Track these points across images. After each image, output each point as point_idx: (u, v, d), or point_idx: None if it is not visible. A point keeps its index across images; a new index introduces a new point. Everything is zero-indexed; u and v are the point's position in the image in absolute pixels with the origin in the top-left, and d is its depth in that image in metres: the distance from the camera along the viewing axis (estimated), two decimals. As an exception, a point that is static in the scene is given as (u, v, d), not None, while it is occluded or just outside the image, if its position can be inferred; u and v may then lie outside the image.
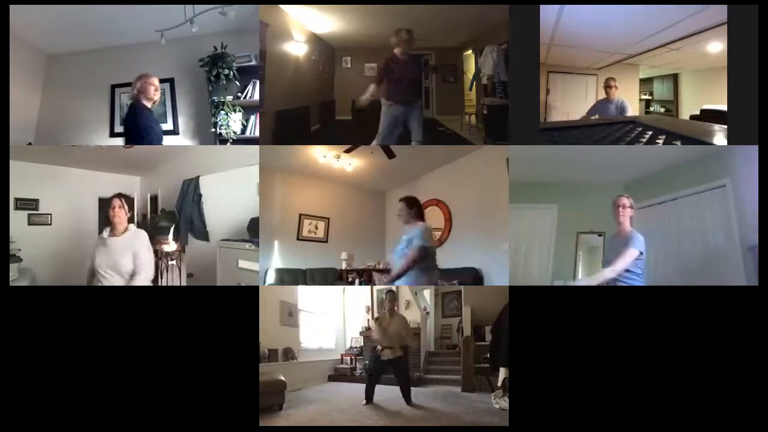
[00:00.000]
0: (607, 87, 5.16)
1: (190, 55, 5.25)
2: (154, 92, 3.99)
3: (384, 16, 6.03)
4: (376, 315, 6.41)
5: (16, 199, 6.08)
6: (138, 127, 3.98)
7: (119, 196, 3.52)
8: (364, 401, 4.49)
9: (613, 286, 3.26)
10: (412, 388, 4.65)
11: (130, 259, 3.46)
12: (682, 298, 3.10)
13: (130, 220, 3.58)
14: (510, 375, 3.23)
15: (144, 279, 3.46)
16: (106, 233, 3.53)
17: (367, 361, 6.84)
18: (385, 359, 4.59)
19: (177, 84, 5.55)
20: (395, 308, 4.98)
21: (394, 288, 5.63)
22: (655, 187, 5.19)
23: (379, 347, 4.65)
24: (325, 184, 8.02)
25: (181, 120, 5.58)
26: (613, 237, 3.49)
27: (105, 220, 3.57)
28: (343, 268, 7.78)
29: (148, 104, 4.01)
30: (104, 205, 7.07)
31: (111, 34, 5.35)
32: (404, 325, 4.88)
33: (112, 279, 3.41)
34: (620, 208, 3.37)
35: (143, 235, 3.62)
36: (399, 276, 3.44)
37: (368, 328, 7.25)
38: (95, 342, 3.09)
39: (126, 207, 3.50)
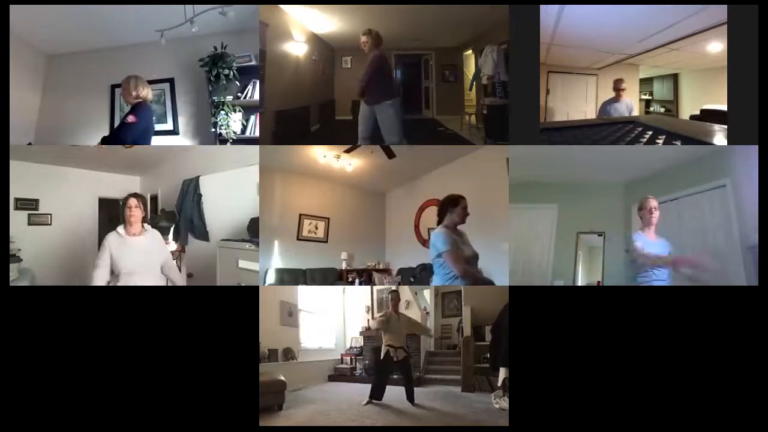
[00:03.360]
0: (618, 89, 5.18)
1: (190, 55, 5.25)
2: (127, 94, 4.01)
3: (384, 16, 6.03)
4: (380, 314, 6.39)
5: (16, 199, 6.09)
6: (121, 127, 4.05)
7: (135, 195, 3.51)
8: (367, 401, 4.49)
9: (613, 286, 3.27)
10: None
11: (160, 260, 3.54)
12: (682, 298, 3.10)
13: (144, 220, 3.58)
14: (510, 375, 3.23)
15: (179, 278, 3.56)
16: (122, 232, 3.44)
17: (367, 361, 6.85)
18: (396, 360, 4.62)
19: (177, 84, 5.55)
20: (398, 308, 4.98)
21: (396, 288, 5.64)
22: (655, 187, 5.18)
23: (390, 349, 4.64)
24: (325, 184, 8.01)
25: (181, 120, 5.58)
26: (647, 238, 3.35)
27: (109, 219, 3.56)
28: (343, 268, 7.78)
29: (133, 102, 4.06)
30: (104, 205, 7.12)
31: (111, 34, 5.35)
32: (412, 323, 4.91)
33: (143, 279, 3.38)
34: (654, 210, 3.36)
35: (160, 235, 3.68)
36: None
37: (368, 328, 7.26)
38: (95, 342, 3.09)
39: (142, 206, 3.50)
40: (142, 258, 3.42)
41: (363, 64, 4.90)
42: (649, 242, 3.35)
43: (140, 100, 4.04)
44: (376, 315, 5.76)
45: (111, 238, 3.42)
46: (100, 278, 3.30)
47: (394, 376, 4.74)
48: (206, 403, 3.07)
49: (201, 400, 3.07)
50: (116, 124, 5.75)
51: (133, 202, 3.44)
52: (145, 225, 3.57)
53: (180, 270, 5.26)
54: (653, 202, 3.38)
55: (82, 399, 3.03)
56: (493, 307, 4.90)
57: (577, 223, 5.82)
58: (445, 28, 7.28)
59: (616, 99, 5.18)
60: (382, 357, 4.71)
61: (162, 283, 3.52)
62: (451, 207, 3.27)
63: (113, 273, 3.35)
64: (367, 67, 4.73)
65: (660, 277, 3.23)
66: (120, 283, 3.32)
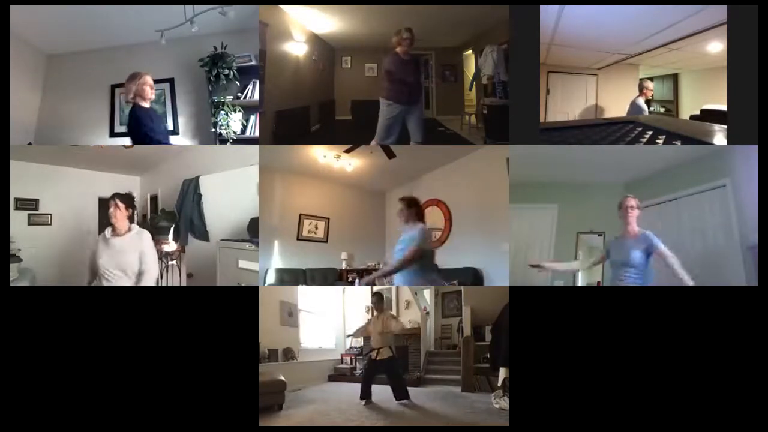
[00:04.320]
0: (646, 88, 5.23)
1: (190, 55, 5.25)
2: (151, 92, 3.98)
3: (384, 16, 6.03)
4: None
5: (16, 199, 6.08)
6: (141, 130, 3.97)
7: (115, 196, 3.52)
8: (362, 400, 4.51)
9: (613, 286, 3.27)
10: (412, 388, 4.67)
11: (136, 259, 3.45)
12: (682, 298, 3.10)
13: (132, 219, 3.57)
14: (510, 375, 3.23)
15: (150, 279, 3.46)
16: (108, 233, 3.50)
17: (366, 361, 6.86)
18: (377, 360, 4.70)
19: (177, 84, 5.55)
20: (382, 309, 5.03)
21: (381, 291, 5.67)
22: (655, 187, 5.19)
23: (372, 350, 4.75)
24: (325, 184, 8.01)
25: (181, 120, 5.59)
26: (620, 238, 3.44)
27: (106, 220, 3.59)
28: (343, 268, 7.78)
29: (146, 104, 4.01)
30: (104, 205, 7.12)
31: (111, 34, 5.36)
32: (389, 323, 4.93)
33: (119, 279, 3.40)
34: (629, 209, 3.36)
35: (147, 235, 3.62)
36: (389, 273, 3.51)
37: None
38: (95, 342, 3.09)
39: (123, 207, 3.49)
40: (118, 259, 3.42)
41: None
42: (622, 243, 3.36)
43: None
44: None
45: (99, 240, 3.53)
46: (85, 279, 3.43)
47: (382, 376, 4.76)
48: (206, 403, 3.07)
49: (201, 400, 3.07)
50: (116, 124, 5.76)
51: (113, 203, 3.47)
52: (133, 225, 3.58)
53: (180, 270, 5.27)
54: (630, 201, 3.39)
55: (82, 399, 3.03)
56: (493, 307, 4.91)
57: (577, 223, 5.82)
58: (445, 28, 7.27)
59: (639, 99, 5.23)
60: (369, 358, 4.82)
61: (124, 284, 3.43)
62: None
63: (95, 274, 3.44)
64: (409, 68, 4.60)
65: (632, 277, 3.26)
66: (97, 284, 3.41)
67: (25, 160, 5.92)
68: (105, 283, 3.39)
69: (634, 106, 5.23)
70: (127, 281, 3.41)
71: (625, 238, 3.39)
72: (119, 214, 3.48)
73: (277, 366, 5.65)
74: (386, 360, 4.69)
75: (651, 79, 5.74)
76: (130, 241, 3.49)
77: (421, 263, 3.40)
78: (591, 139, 4.37)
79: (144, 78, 3.94)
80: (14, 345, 3.06)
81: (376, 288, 6.26)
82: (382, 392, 4.65)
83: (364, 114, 4.87)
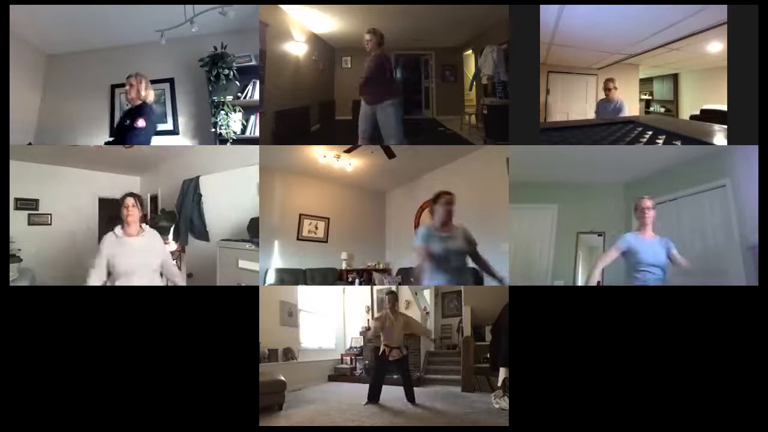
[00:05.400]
0: (607, 89, 5.20)
1: (190, 55, 5.26)
2: (136, 94, 4.00)
3: (384, 16, 6.03)
4: (376, 315, 6.42)
5: (16, 199, 6.09)
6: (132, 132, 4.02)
7: (132, 194, 3.46)
8: (366, 401, 4.49)
9: (613, 286, 3.28)
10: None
11: (157, 259, 3.48)
12: (682, 298, 3.10)
13: (143, 219, 3.54)
14: (510, 375, 3.23)
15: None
16: (119, 233, 3.40)
17: (367, 361, 6.86)
18: (392, 360, 4.63)
19: (177, 84, 5.55)
20: (396, 308, 4.97)
21: (394, 288, 5.65)
22: (655, 187, 5.19)
23: (386, 349, 4.66)
24: (325, 184, 8.02)
25: (181, 120, 5.59)
26: (640, 238, 3.41)
27: (109, 219, 3.54)
28: (343, 268, 7.78)
29: (137, 102, 4.05)
30: (104, 205, 7.13)
31: (111, 34, 5.36)
32: (411, 324, 4.90)
33: (140, 279, 3.36)
34: (646, 211, 3.41)
35: (158, 235, 3.64)
36: (490, 271, 3.57)
37: (368, 329, 7.26)
38: (95, 342, 3.09)
39: (139, 205, 3.45)
40: (139, 259, 3.38)
41: (363, 63, 4.89)
42: (644, 241, 3.38)
43: (143, 101, 4.04)
44: (376, 315, 5.81)
45: (107, 239, 3.38)
46: (95, 280, 3.26)
47: (394, 376, 4.73)
48: (206, 403, 3.07)
49: (201, 400, 3.07)
50: (116, 123, 5.76)
51: (129, 201, 3.40)
52: (144, 225, 3.55)
53: (180, 270, 5.27)
54: (646, 203, 3.43)
55: (82, 399, 3.03)
56: (493, 307, 4.91)
57: (577, 223, 5.82)
58: (445, 28, 7.27)
59: (607, 99, 5.22)
60: (378, 355, 4.73)
61: (159, 283, 3.48)
62: (433, 204, 3.39)
63: (110, 274, 3.32)
64: (368, 66, 4.72)
65: (656, 275, 3.29)
66: (116, 284, 3.30)
67: (25, 160, 5.93)
68: (124, 283, 3.31)
69: (599, 108, 5.25)
70: (147, 281, 3.39)
71: (644, 237, 3.41)
72: (136, 213, 3.42)
73: (277, 366, 5.65)
74: (400, 360, 4.65)
75: (651, 79, 5.74)
76: (148, 241, 3.48)
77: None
78: (591, 139, 4.37)
79: (127, 82, 4.00)
80: (14, 345, 3.06)
81: (385, 287, 6.26)
82: (383, 392, 4.64)
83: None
